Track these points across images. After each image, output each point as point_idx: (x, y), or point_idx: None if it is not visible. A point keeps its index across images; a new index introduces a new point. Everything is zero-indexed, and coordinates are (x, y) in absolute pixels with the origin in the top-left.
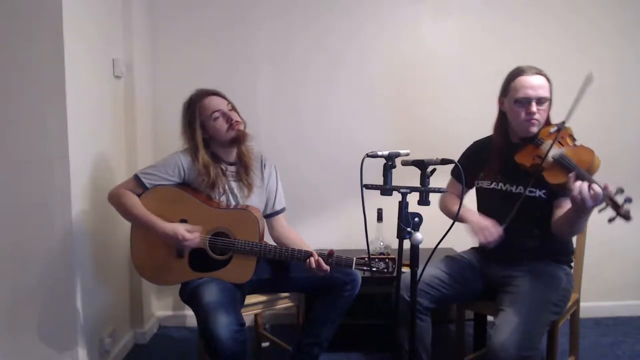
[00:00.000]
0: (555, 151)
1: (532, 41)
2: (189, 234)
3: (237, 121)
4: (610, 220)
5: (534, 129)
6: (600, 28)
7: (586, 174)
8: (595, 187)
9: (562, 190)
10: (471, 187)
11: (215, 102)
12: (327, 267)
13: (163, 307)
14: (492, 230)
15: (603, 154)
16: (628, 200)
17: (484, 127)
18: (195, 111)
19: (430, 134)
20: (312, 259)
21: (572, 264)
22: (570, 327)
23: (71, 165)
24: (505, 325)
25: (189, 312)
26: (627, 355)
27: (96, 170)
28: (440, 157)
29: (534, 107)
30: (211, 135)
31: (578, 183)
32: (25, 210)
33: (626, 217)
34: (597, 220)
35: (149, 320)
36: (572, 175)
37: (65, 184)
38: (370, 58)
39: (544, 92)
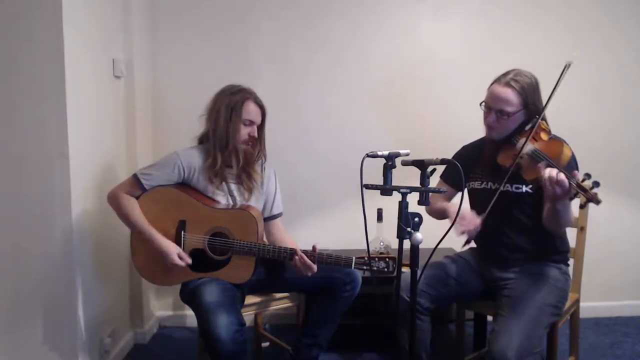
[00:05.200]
0: (529, 147)
1: (532, 41)
2: (179, 260)
3: (254, 140)
4: (582, 206)
5: (493, 134)
6: (601, 27)
7: (554, 163)
8: (561, 175)
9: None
10: (460, 190)
11: (256, 114)
12: (311, 264)
13: (163, 307)
14: (469, 220)
15: (603, 154)
16: (596, 184)
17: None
18: (240, 104)
19: (430, 134)
20: (295, 257)
21: (569, 262)
22: (570, 327)
23: (71, 165)
24: (504, 332)
25: (189, 312)
26: (627, 355)
27: (96, 170)
28: (440, 157)
29: (491, 117)
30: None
31: (547, 171)
32: (25, 210)
33: (594, 200)
34: (597, 220)
35: (149, 320)
36: (541, 165)
37: (65, 184)
38: (370, 58)
39: (503, 105)
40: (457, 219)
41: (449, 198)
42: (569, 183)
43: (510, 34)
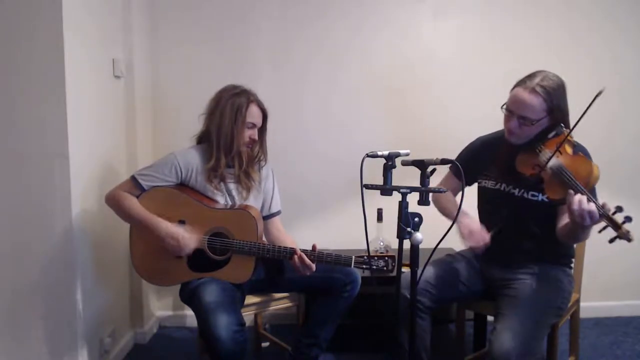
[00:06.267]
0: (554, 162)
1: (532, 41)
2: (189, 239)
3: (254, 142)
4: (611, 240)
5: (513, 139)
6: (601, 28)
7: (584, 190)
8: (592, 205)
9: (563, 203)
10: (469, 185)
11: (258, 117)
12: (310, 263)
13: (163, 307)
14: (478, 236)
15: (603, 154)
16: (628, 219)
17: (484, 126)
18: (245, 107)
19: (430, 134)
20: (295, 256)
21: (572, 265)
22: (570, 327)
23: (71, 165)
24: (506, 332)
25: (189, 312)
26: (627, 355)
27: (96, 170)
28: (440, 157)
29: (512, 123)
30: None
31: (577, 199)
32: (25, 210)
33: (626, 237)
34: None
35: (149, 320)
36: (571, 191)
37: (65, 184)
38: (370, 58)
39: (526, 112)
40: (467, 234)
41: (455, 191)
42: (599, 214)
43: (510, 34)
